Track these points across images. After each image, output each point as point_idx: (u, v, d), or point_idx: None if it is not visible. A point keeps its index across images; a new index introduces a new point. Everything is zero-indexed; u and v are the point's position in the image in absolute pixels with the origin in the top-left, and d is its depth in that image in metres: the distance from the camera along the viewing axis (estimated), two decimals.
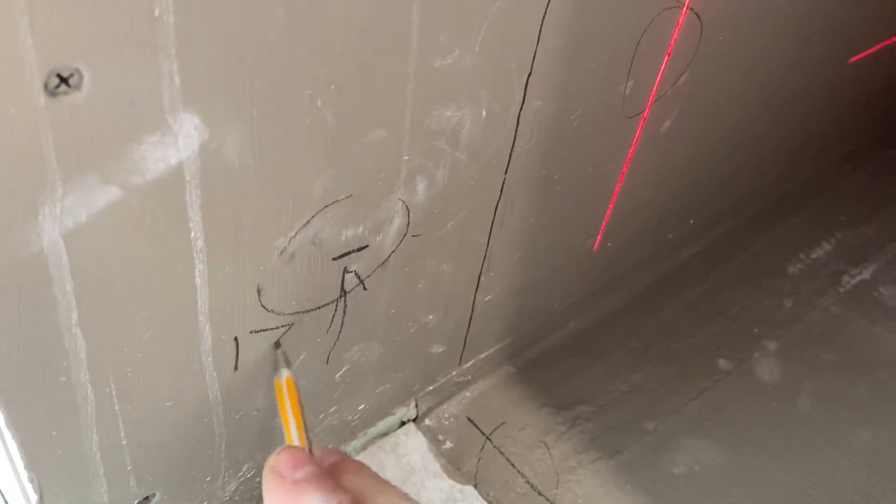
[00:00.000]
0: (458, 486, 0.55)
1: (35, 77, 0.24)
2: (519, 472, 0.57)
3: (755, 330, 0.70)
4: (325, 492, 0.33)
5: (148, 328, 0.34)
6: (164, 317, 0.34)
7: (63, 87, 0.25)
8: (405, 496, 0.35)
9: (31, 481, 0.35)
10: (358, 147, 0.36)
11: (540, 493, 0.56)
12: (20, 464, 0.34)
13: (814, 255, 0.78)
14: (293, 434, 0.37)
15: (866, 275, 0.76)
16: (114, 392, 0.35)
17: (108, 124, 0.27)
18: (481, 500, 0.55)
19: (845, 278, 0.76)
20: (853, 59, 0.74)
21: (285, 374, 0.40)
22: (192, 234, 0.32)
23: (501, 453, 0.58)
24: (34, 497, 0.36)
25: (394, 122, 0.36)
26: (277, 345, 0.41)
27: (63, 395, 0.33)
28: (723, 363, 0.67)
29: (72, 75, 0.25)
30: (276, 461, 0.34)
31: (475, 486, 0.55)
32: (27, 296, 0.29)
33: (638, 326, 0.69)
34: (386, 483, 0.36)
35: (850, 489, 0.59)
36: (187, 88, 0.28)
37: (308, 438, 0.37)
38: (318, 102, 0.32)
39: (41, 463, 0.35)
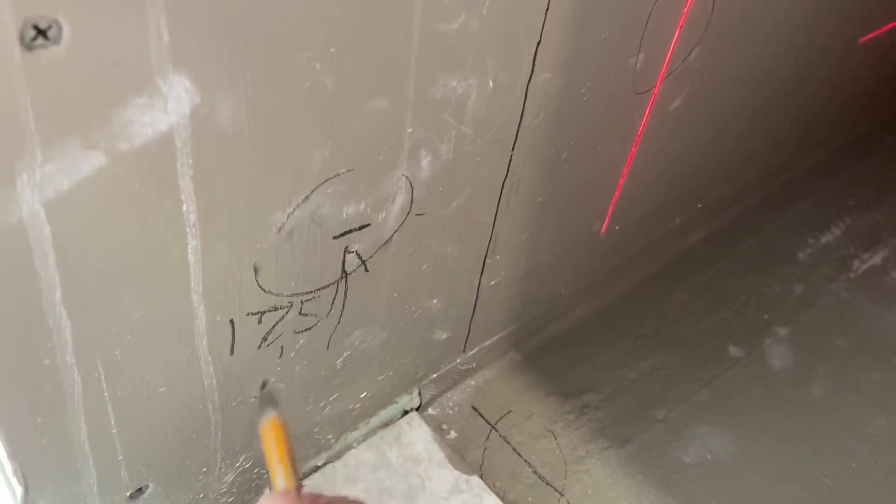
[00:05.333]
0: (464, 476, 0.53)
1: (9, 28, 0.22)
2: (526, 461, 0.55)
3: (765, 316, 0.68)
4: None
5: (138, 308, 0.32)
6: (155, 296, 0.32)
7: (41, 40, 0.23)
8: None
9: (16, 472, 0.34)
10: (359, 116, 0.34)
11: (548, 484, 0.55)
12: (3, 453, 0.33)
13: (823, 240, 0.76)
14: (279, 478, 0.35)
15: (877, 259, 0.75)
16: (102, 376, 0.33)
17: (92, 84, 0.25)
18: (487, 490, 0.53)
19: (856, 263, 0.74)
20: (864, 39, 0.72)
21: (271, 414, 0.37)
22: (184, 207, 0.30)
23: (508, 443, 0.56)
24: (19, 489, 0.34)
25: (397, 91, 0.34)
26: (263, 385, 0.39)
27: (48, 380, 0.31)
28: (733, 350, 0.65)
29: (50, 27, 0.23)
30: None
31: (481, 477, 0.54)
32: (6, 270, 0.27)
33: (645, 313, 0.67)
34: None
35: (866, 477, 0.57)
36: (177, 46, 0.26)
37: (297, 481, 0.35)
38: (317, 66, 0.30)
39: (26, 452, 0.33)
